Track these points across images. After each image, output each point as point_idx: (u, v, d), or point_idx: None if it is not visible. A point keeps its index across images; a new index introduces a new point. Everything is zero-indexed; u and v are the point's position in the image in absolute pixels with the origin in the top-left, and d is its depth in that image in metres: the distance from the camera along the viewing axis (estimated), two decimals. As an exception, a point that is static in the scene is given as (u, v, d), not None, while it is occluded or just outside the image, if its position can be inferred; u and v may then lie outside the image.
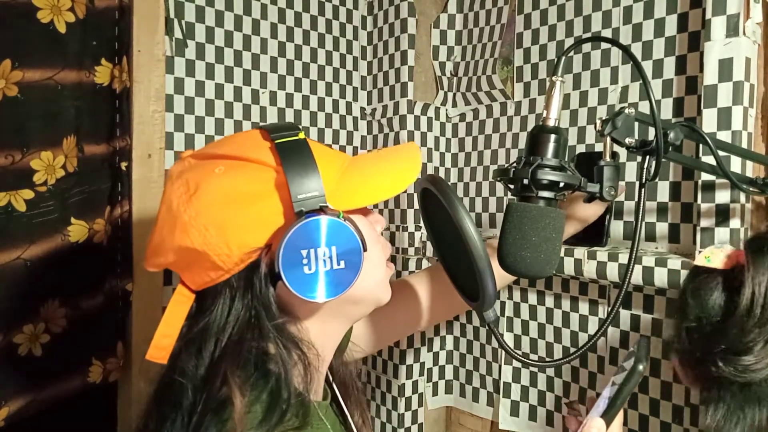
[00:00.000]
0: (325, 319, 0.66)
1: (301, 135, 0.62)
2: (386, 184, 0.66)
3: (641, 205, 0.62)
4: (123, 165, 1.01)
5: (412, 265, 1.21)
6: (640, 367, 0.58)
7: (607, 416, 0.59)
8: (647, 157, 0.63)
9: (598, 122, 0.63)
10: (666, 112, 0.90)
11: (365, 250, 0.60)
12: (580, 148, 1.00)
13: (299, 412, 0.59)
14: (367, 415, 0.79)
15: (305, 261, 0.57)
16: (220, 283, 0.61)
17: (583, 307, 1.02)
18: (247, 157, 0.61)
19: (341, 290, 0.59)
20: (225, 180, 0.60)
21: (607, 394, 0.61)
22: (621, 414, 0.62)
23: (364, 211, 0.69)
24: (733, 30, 0.77)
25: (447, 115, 1.27)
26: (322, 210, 0.58)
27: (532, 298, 1.10)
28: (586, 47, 1.00)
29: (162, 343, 0.62)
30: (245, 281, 0.60)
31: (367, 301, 0.68)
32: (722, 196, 0.79)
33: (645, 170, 0.62)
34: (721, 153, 0.69)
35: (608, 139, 0.64)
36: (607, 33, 0.97)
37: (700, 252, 0.73)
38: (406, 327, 0.98)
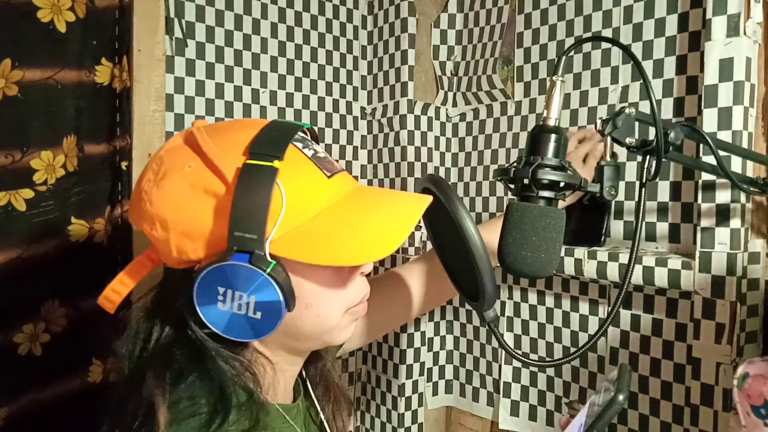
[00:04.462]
0: (266, 342, 0.64)
1: (276, 163, 0.55)
2: (359, 248, 0.58)
3: (641, 205, 0.61)
4: (123, 164, 1.01)
5: (412, 265, 1.21)
6: (620, 397, 0.52)
7: None
8: (648, 156, 0.63)
9: (599, 122, 0.63)
10: (666, 111, 0.90)
11: (290, 309, 0.56)
12: (581, 148, 1.00)
13: (252, 414, 0.58)
14: (339, 405, 0.77)
15: (221, 297, 0.55)
16: (167, 267, 0.62)
17: (584, 307, 1.02)
18: (216, 165, 0.56)
19: (250, 337, 0.57)
20: (184, 183, 0.57)
21: (580, 421, 0.56)
22: None
23: None
24: (733, 30, 0.77)
25: (447, 114, 1.27)
26: (253, 256, 0.54)
27: (533, 297, 1.10)
28: (587, 47, 1.00)
29: (116, 288, 0.64)
30: (182, 279, 0.59)
31: (316, 342, 0.66)
32: (723, 196, 0.79)
33: (645, 170, 0.62)
34: (721, 153, 0.69)
35: (609, 138, 0.64)
36: (607, 33, 0.97)
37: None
38: (400, 318, 0.98)
